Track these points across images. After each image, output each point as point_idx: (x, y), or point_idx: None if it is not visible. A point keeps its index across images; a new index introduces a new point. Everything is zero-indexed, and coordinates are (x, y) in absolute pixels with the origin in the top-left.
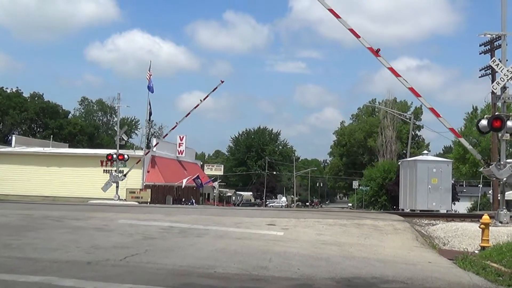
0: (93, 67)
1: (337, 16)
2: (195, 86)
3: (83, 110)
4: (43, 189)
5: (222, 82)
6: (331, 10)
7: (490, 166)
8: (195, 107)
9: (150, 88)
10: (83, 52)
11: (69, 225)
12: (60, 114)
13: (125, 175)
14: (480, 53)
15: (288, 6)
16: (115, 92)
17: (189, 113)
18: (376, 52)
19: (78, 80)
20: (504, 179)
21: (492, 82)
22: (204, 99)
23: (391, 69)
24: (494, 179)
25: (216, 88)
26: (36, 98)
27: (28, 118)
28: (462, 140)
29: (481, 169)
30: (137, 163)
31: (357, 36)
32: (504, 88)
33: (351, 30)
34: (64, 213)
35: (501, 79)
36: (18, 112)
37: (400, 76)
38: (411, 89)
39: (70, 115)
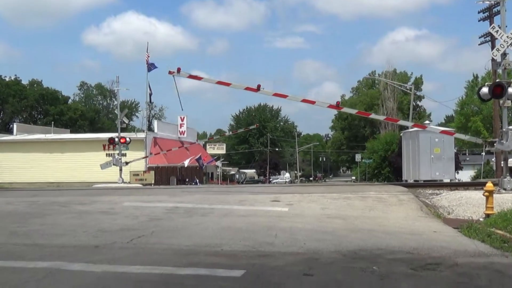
0: (90, 51)
1: (284, 96)
2: (194, 66)
3: (82, 95)
4: (47, 175)
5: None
6: (276, 94)
7: (495, 144)
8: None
9: (151, 67)
10: (80, 37)
11: (74, 210)
12: (60, 100)
13: (127, 163)
14: (479, 20)
15: None
16: (113, 76)
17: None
18: (337, 106)
19: (76, 65)
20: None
21: (492, 49)
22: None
23: (359, 112)
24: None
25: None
26: (35, 85)
27: (28, 105)
28: (457, 135)
29: (487, 148)
30: (144, 157)
31: (312, 103)
32: (504, 55)
33: (304, 100)
34: (69, 198)
35: (501, 45)
36: (18, 100)
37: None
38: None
39: (70, 100)
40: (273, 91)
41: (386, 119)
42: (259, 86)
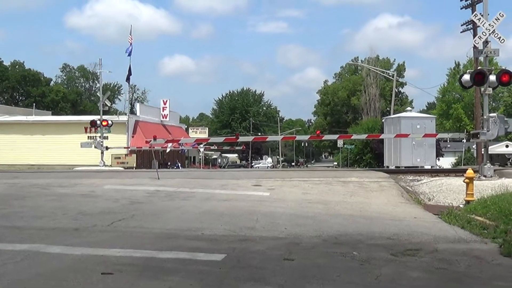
0: (73, 33)
1: (263, 139)
2: (177, 50)
3: (65, 77)
4: (27, 157)
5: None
6: (256, 138)
7: (480, 136)
8: None
9: (128, 52)
10: (62, 19)
11: (55, 193)
12: (42, 81)
13: (107, 148)
14: (461, 8)
15: None
16: (96, 58)
17: None
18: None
19: (59, 47)
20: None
21: (474, 36)
22: None
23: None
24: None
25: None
26: (17, 66)
27: (10, 86)
28: (440, 134)
29: (472, 140)
30: (125, 147)
31: (292, 138)
32: (486, 42)
33: (285, 138)
34: (50, 181)
35: (483, 33)
36: None
37: None
38: None
39: (52, 82)
40: (252, 136)
41: (369, 136)
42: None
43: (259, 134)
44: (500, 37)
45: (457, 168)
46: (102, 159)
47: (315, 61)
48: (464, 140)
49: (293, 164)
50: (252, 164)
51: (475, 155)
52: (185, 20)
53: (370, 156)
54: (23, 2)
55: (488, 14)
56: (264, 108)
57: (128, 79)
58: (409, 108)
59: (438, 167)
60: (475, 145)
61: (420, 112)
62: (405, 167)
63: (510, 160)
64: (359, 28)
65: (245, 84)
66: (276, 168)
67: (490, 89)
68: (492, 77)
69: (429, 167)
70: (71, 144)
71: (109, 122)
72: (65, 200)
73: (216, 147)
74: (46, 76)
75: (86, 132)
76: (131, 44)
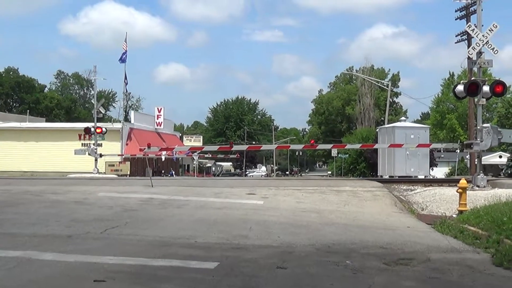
0: (68, 40)
1: (257, 147)
2: (172, 58)
3: (59, 84)
4: (21, 164)
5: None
6: (250, 147)
7: (473, 147)
8: None
9: (122, 59)
10: (57, 26)
11: (48, 200)
12: (36, 88)
13: (101, 156)
14: (456, 19)
15: None
16: (91, 65)
17: None
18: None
19: (54, 54)
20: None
21: (468, 47)
22: None
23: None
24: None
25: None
26: (11, 73)
27: (4, 93)
28: (434, 145)
29: (465, 150)
30: (119, 155)
31: (287, 147)
32: (480, 53)
33: (280, 147)
34: (43, 188)
35: (477, 44)
36: None
37: None
38: None
39: (46, 89)
40: (247, 145)
41: (363, 146)
42: (231, 143)
43: (254, 142)
44: (494, 48)
45: (450, 178)
46: (95, 166)
47: (310, 70)
48: (458, 151)
49: (287, 173)
50: (246, 172)
51: (468, 165)
52: (180, 28)
53: (364, 166)
54: (18, 9)
55: (482, 25)
56: (259, 116)
57: (125, 87)
58: (403, 118)
59: (431, 177)
60: (468, 155)
61: (414, 122)
62: (398, 176)
63: (503, 171)
64: (354, 37)
65: (240, 93)
66: (270, 176)
67: (484, 99)
68: (486, 88)
69: (423, 177)
70: (64, 151)
71: (103, 129)
72: (58, 207)
73: (210, 156)
74: (41, 83)
75: (80, 139)
76: (126, 51)
